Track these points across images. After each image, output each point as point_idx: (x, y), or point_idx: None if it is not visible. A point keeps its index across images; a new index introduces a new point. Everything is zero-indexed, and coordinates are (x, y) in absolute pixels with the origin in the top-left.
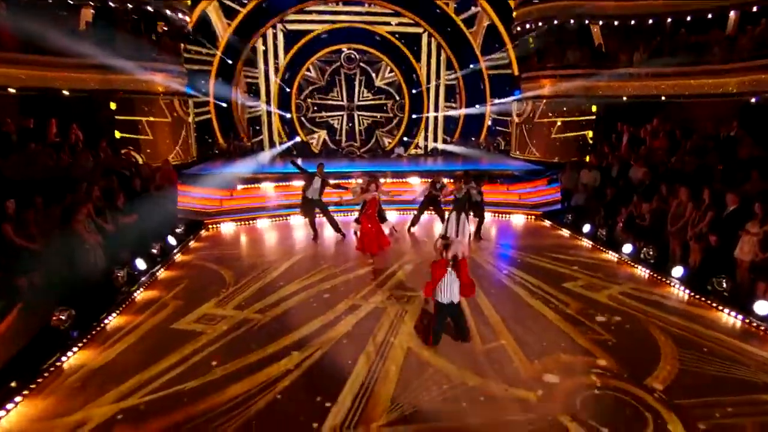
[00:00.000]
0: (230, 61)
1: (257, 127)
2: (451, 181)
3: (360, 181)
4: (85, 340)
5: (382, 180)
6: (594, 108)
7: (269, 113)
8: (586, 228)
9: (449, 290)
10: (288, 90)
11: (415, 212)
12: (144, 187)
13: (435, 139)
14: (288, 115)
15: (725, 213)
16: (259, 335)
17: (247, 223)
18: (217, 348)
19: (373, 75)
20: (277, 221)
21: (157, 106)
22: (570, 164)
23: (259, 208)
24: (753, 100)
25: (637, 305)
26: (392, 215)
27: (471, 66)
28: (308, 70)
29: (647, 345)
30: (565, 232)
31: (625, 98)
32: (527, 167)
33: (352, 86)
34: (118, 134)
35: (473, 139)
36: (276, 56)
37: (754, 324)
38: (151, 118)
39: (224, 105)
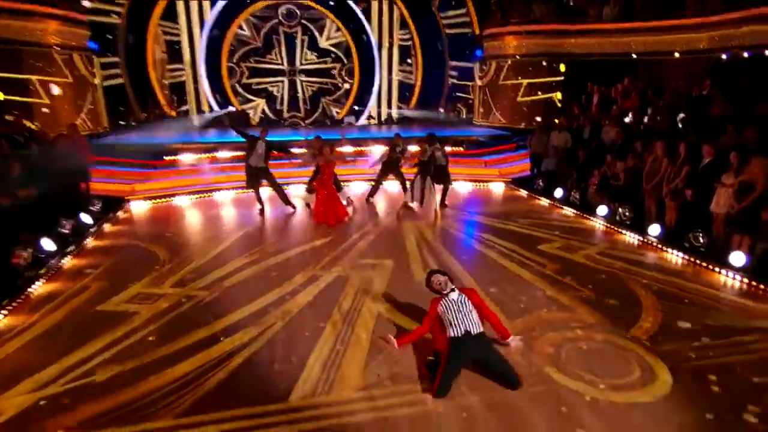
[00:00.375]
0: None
1: (183, 96)
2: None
3: (311, 142)
4: None
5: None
6: (562, 67)
7: (195, 78)
8: (559, 192)
9: (465, 319)
10: (217, 51)
11: (374, 180)
12: (44, 156)
13: (390, 107)
14: (218, 81)
15: (701, 166)
16: (207, 311)
17: (177, 198)
18: (157, 327)
19: (317, 34)
20: (214, 196)
21: (53, 63)
22: (539, 127)
23: (191, 183)
24: (724, 56)
25: (615, 263)
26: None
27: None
28: (241, 27)
29: (628, 299)
30: (537, 198)
31: (594, 56)
32: (493, 133)
33: (293, 47)
34: (0, 95)
35: (434, 106)
36: (201, 9)
37: (731, 275)
38: (46, 78)
39: (139, 67)
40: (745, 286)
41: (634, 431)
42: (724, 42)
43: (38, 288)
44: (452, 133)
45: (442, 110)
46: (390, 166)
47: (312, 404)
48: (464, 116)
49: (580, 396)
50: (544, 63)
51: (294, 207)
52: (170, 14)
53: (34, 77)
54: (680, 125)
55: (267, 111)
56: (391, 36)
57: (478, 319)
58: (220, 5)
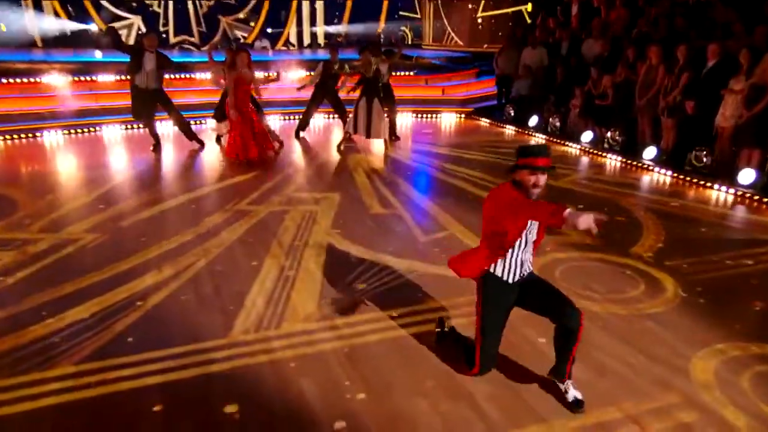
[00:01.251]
0: None
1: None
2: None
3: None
4: None
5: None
6: None
7: None
8: (534, 121)
9: (520, 258)
10: None
11: (304, 110)
12: None
13: (314, 27)
14: None
15: (704, 71)
16: (98, 254)
17: (29, 135)
18: (29, 273)
19: None
20: (82, 132)
21: None
22: (508, 43)
23: (45, 114)
24: None
25: (607, 188)
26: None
27: None
28: None
29: (626, 221)
30: (507, 128)
31: None
32: (450, 55)
33: None
34: None
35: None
36: None
37: (740, 193)
38: None
39: None
40: (755, 204)
41: (647, 338)
42: None
43: None
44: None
45: (381, 33)
46: (324, 90)
47: (261, 338)
48: (408, 40)
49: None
50: None
51: (201, 142)
52: None
53: None
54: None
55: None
56: None
57: (532, 254)
58: None
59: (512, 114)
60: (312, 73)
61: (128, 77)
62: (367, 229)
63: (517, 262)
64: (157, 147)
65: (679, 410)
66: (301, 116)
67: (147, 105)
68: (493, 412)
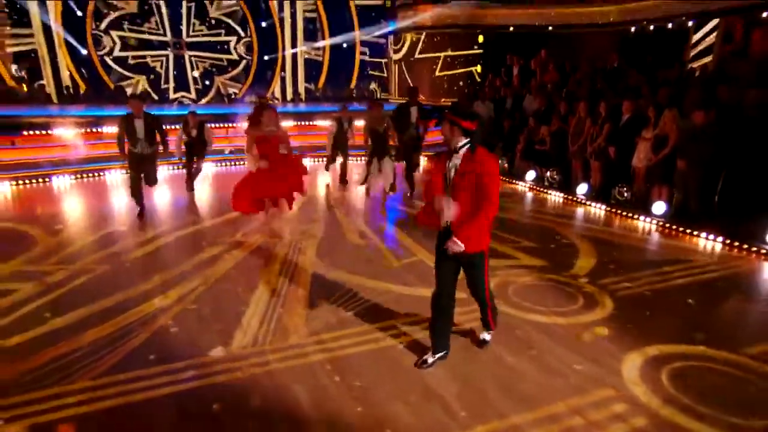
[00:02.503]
0: None
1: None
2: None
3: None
4: None
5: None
6: (480, 39)
7: (51, 46)
8: None
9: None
10: (80, 14)
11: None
12: None
13: (295, 87)
14: (84, 51)
15: (621, 123)
16: (109, 283)
17: (43, 180)
18: (49, 300)
19: (206, 1)
20: (89, 177)
21: None
22: (462, 98)
23: (58, 162)
24: (632, 29)
25: (548, 218)
26: None
27: None
28: None
29: (565, 246)
30: None
31: (512, 28)
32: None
33: (177, 16)
34: None
35: (344, 84)
36: None
37: (654, 221)
38: None
39: None
40: (667, 230)
41: (585, 344)
42: (634, 15)
43: None
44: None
45: (353, 88)
46: (341, 142)
47: (257, 351)
48: (378, 94)
49: (533, 323)
50: (462, 35)
51: (141, 214)
52: None
53: None
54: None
55: (150, 90)
56: (293, 5)
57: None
58: None
59: None
60: (329, 126)
61: (119, 147)
62: (349, 258)
63: None
64: (141, 213)
65: (613, 403)
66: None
67: (137, 167)
68: (461, 411)
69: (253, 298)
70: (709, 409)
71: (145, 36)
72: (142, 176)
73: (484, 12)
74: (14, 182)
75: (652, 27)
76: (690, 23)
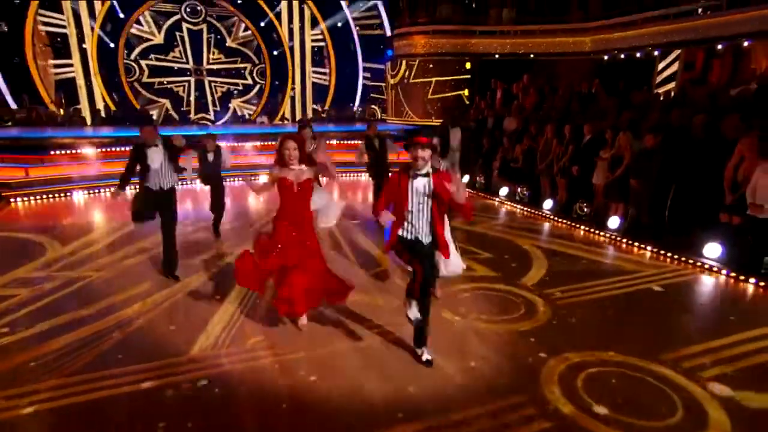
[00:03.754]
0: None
1: (74, 93)
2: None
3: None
4: None
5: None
6: (468, 65)
7: (88, 75)
8: (465, 179)
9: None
10: (112, 46)
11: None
12: None
13: (304, 109)
14: (114, 79)
15: (582, 144)
16: (99, 289)
17: (66, 195)
18: (39, 306)
19: (225, 33)
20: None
21: None
22: (446, 119)
23: (81, 178)
24: (605, 57)
25: (511, 231)
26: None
27: (337, 18)
28: (138, 22)
29: (521, 258)
30: None
31: (497, 56)
32: (405, 127)
33: (199, 46)
34: None
35: (348, 106)
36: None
37: (608, 235)
38: None
39: (16, 60)
40: (619, 244)
41: (514, 350)
42: (606, 45)
43: None
44: (359, 129)
45: (356, 109)
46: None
47: (212, 355)
48: (379, 116)
49: (472, 329)
50: (451, 61)
51: (176, 278)
52: (53, 4)
53: None
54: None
55: (172, 112)
56: (302, 36)
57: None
58: None
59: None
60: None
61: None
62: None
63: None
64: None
65: (526, 407)
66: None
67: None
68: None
69: (222, 306)
70: (616, 412)
71: (170, 64)
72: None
73: (471, 41)
74: (42, 196)
75: (622, 56)
76: (656, 53)
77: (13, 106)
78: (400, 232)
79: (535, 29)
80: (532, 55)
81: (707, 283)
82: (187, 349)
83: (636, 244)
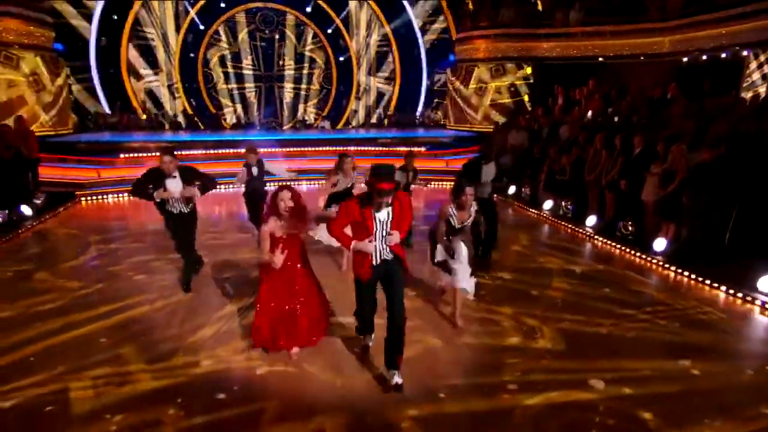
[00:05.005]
0: (115, 17)
1: (159, 100)
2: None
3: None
4: None
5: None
6: (529, 70)
7: (171, 84)
8: (512, 189)
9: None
10: (192, 56)
11: None
12: None
13: (368, 113)
14: (194, 86)
15: (632, 156)
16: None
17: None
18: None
19: (295, 40)
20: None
21: (12, 61)
22: (499, 126)
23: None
24: (685, 59)
25: (541, 249)
26: None
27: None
28: (216, 33)
29: (541, 277)
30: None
31: (561, 60)
32: (459, 135)
33: (270, 53)
34: None
35: (411, 111)
36: (178, 16)
37: (650, 258)
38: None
39: (111, 71)
40: (660, 269)
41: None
42: (687, 45)
43: None
44: (421, 135)
45: (419, 115)
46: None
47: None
48: (441, 121)
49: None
50: (513, 67)
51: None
52: (145, 20)
53: None
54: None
55: (242, 116)
56: (368, 43)
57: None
58: (195, 12)
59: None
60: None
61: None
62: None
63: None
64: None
65: None
66: None
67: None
68: None
69: (217, 313)
70: None
71: (243, 71)
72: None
73: (535, 44)
74: (109, 196)
75: (704, 57)
76: (744, 53)
77: (108, 112)
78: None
79: (606, 30)
80: (600, 59)
81: (759, 325)
82: (170, 355)
83: (678, 270)
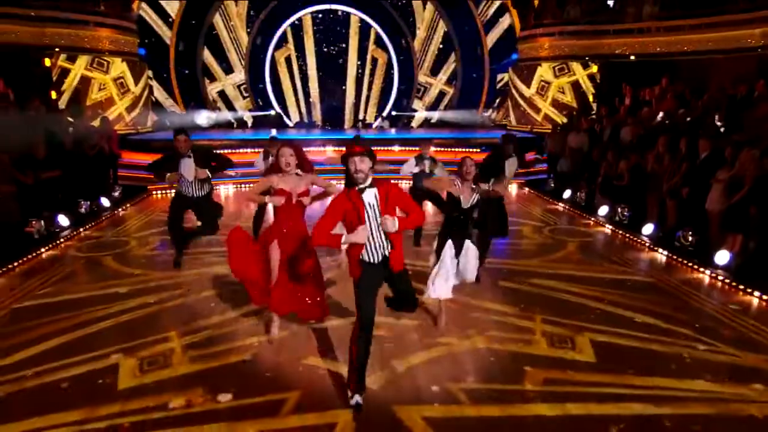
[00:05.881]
0: (193, 21)
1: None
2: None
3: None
4: None
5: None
6: (595, 69)
7: (240, 84)
8: (567, 194)
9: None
10: (261, 57)
11: None
12: (77, 145)
13: (427, 110)
14: (260, 85)
15: (698, 162)
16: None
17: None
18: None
19: (358, 41)
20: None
21: (104, 66)
22: (558, 127)
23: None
24: None
25: (587, 257)
26: None
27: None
28: (284, 34)
29: (575, 285)
30: (543, 199)
31: (633, 57)
32: (519, 135)
33: (334, 54)
34: (54, 94)
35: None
36: (250, 21)
37: (709, 272)
38: (96, 80)
39: (186, 72)
40: (720, 284)
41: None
42: None
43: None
44: (478, 135)
45: (478, 114)
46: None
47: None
48: (501, 120)
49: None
50: (578, 65)
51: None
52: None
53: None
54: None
55: (305, 116)
56: (429, 42)
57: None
58: (264, 14)
59: (552, 186)
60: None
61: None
62: None
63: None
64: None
65: None
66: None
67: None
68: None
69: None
70: None
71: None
72: (185, 217)
73: (603, 42)
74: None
75: None
76: None
77: (183, 112)
78: (362, 256)
79: (684, 24)
80: (678, 55)
81: None
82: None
83: (740, 286)
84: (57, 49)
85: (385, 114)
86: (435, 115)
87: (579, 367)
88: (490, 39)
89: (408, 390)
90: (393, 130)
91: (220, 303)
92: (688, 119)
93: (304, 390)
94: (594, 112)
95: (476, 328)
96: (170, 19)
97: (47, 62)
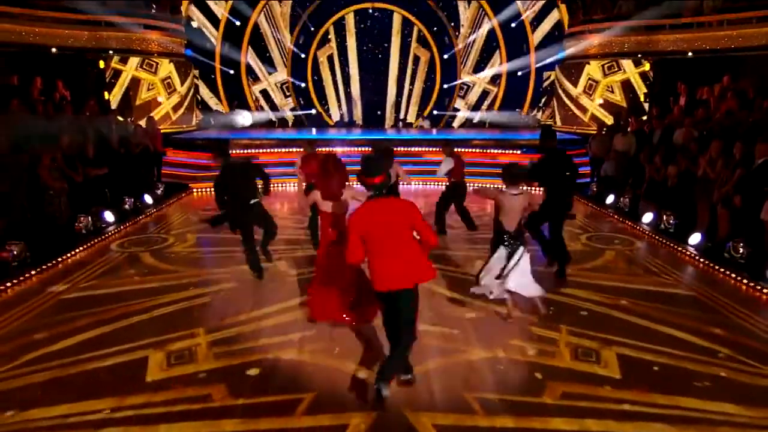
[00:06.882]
0: (238, 22)
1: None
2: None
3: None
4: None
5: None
6: (647, 66)
7: (283, 83)
8: (610, 198)
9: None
10: (303, 56)
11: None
12: (124, 144)
13: (471, 110)
14: (303, 85)
15: (753, 168)
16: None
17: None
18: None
19: (401, 39)
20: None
21: (152, 67)
22: (604, 128)
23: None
24: None
25: (633, 268)
26: None
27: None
28: (326, 33)
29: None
30: (585, 204)
31: (690, 54)
32: (563, 137)
33: (376, 53)
34: (107, 95)
35: (515, 110)
36: (293, 20)
37: (759, 287)
38: (145, 80)
39: (231, 72)
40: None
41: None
42: None
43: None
44: (519, 137)
45: (523, 114)
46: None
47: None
48: (546, 120)
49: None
50: (629, 63)
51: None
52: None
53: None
54: None
55: (345, 113)
56: (473, 40)
57: None
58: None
59: (595, 190)
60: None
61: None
62: None
63: None
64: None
65: None
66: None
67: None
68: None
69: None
70: None
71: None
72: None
73: (657, 37)
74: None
75: None
76: None
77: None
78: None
79: (752, 16)
80: (742, 50)
81: None
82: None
83: None
84: (111, 52)
85: (425, 113)
86: (477, 116)
87: (602, 382)
88: (537, 36)
89: (422, 396)
90: (434, 131)
91: (249, 301)
92: (751, 120)
93: (321, 391)
94: (645, 112)
95: (498, 337)
96: (217, 20)
97: (101, 64)
